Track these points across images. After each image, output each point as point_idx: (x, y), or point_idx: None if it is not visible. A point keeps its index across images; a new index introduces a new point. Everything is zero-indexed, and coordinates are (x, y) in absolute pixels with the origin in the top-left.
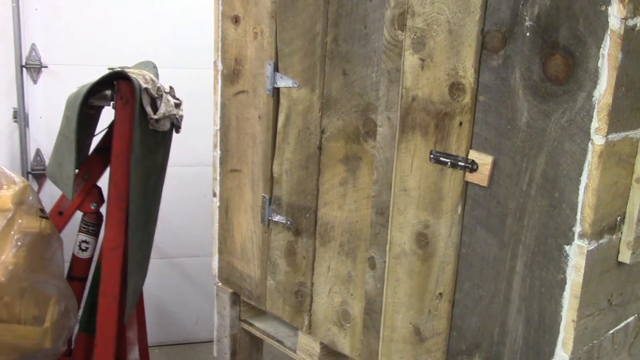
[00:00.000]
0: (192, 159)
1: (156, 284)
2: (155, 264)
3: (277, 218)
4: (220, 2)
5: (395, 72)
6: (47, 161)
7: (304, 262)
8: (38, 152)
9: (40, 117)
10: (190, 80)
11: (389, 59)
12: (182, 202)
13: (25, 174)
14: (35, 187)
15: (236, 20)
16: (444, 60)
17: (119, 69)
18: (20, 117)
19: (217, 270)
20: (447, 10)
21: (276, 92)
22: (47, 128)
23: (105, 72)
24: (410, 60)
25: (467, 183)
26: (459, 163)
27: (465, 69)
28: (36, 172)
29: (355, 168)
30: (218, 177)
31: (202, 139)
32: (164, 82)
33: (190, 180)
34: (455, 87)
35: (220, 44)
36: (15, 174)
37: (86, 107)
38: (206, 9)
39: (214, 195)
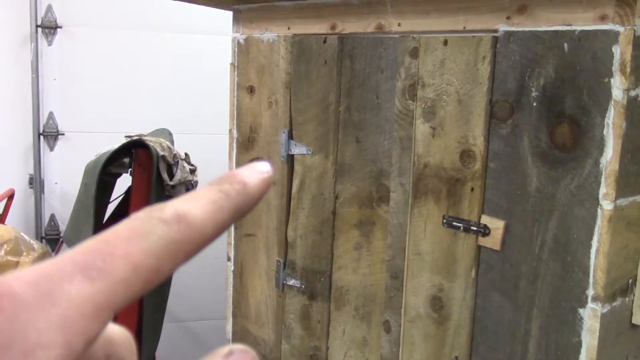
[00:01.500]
0: None
1: (167, 349)
2: (167, 327)
3: (291, 282)
4: (235, 73)
5: (407, 140)
6: (61, 226)
7: (318, 326)
8: (52, 218)
9: (56, 183)
10: (205, 147)
11: (400, 127)
12: (194, 265)
13: (40, 238)
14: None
15: (251, 90)
16: (455, 129)
17: (136, 137)
18: (37, 183)
19: (231, 334)
20: (456, 81)
21: (290, 158)
22: (62, 193)
23: (123, 140)
24: (421, 128)
25: (480, 247)
26: (472, 227)
27: (475, 137)
28: (50, 237)
29: (369, 232)
30: (232, 242)
31: None
32: (179, 149)
33: None
34: (466, 154)
35: (235, 112)
36: (34, 240)
37: (104, 174)
38: (221, 76)
39: (228, 259)
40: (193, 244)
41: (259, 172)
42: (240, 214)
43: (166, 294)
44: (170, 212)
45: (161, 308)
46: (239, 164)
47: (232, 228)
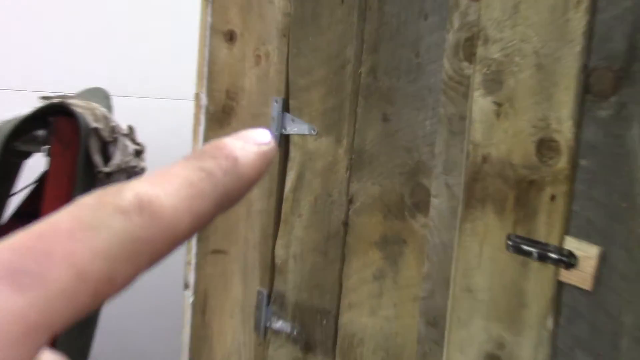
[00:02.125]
0: None
1: None
2: None
3: (278, 325)
4: (209, 10)
5: (459, 121)
6: None
7: None
8: None
9: None
10: (159, 118)
11: (450, 101)
12: (137, 295)
13: None
14: None
15: (231, 37)
16: (530, 107)
17: (57, 100)
18: None
19: None
20: (534, 36)
21: (284, 141)
22: None
23: (36, 103)
24: (480, 104)
25: (561, 284)
26: (550, 255)
27: (560, 120)
28: None
29: (396, 255)
30: (193, 261)
31: None
32: (120, 120)
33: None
34: (546, 145)
35: (205, 70)
36: None
37: (6, 153)
38: (184, 14)
39: (186, 287)
40: (161, 243)
41: (255, 142)
42: (228, 202)
43: (91, 332)
44: (130, 197)
45: (82, 354)
46: None
47: (194, 240)
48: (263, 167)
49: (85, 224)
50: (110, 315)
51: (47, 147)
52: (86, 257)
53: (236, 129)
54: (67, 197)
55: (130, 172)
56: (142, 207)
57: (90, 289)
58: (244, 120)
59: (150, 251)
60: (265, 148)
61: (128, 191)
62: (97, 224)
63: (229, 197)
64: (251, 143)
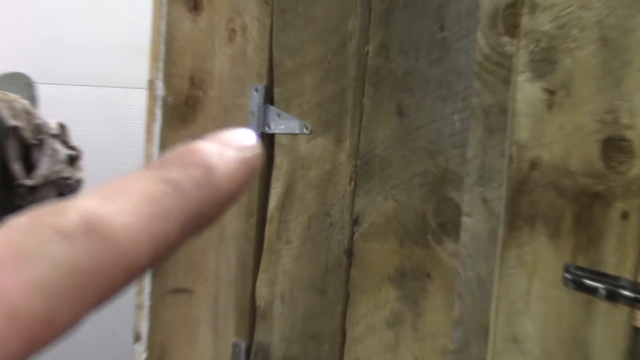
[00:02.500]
0: None
1: None
2: None
3: None
4: None
5: (498, 114)
6: None
7: None
8: None
9: None
10: (99, 112)
11: (486, 88)
12: (71, 351)
13: None
14: None
15: (196, 4)
16: (593, 95)
17: None
18: None
19: None
20: (597, 1)
21: (268, 142)
22: None
23: None
24: (527, 92)
25: (638, 331)
26: (622, 292)
27: (633, 112)
28: None
29: (417, 294)
30: (146, 303)
31: None
32: (48, 116)
33: None
34: (615, 146)
35: (162, 49)
36: None
37: None
38: None
39: (137, 339)
40: (114, 275)
41: (236, 146)
42: (200, 223)
43: None
44: (75, 217)
45: None
46: (167, 147)
47: (149, 276)
48: (245, 178)
49: (17, 252)
50: None
51: None
52: (19, 294)
53: (203, 127)
54: None
55: (62, 186)
56: (90, 229)
57: (23, 333)
58: (213, 115)
59: (100, 285)
60: (248, 154)
61: (72, 209)
62: (32, 251)
63: (201, 217)
64: (230, 147)
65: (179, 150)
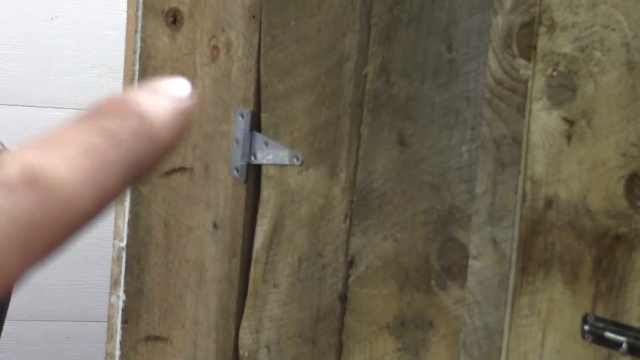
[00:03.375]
0: (61, 308)
1: None
2: None
3: None
4: None
5: (511, 146)
6: None
7: None
8: None
9: None
10: None
11: (498, 116)
12: None
13: None
14: None
15: (175, 19)
16: (617, 126)
17: None
18: None
19: None
20: (623, 20)
21: (254, 174)
22: None
23: None
24: (544, 121)
25: None
26: None
27: None
28: None
29: (418, 345)
30: (117, 352)
31: (85, 266)
32: (10, 141)
33: (54, 353)
34: None
35: (136, 68)
36: None
37: None
38: None
39: None
40: (58, 226)
41: (170, 97)
42: (138, 174)
43: None
44: (16, 169)
45: None
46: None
47: (119, 322)
48: (181, 130)
49: None
50: None
51: None
52: None
53: (182, 156)
54: None
55: None
56: (31, 180)
57: None
58: (193, 142)
59: (43, 237)
60: (183, 104)
61: (11, 161)
62: None
63: (139, 167)
64: (164, 97)
65: (113, 100)
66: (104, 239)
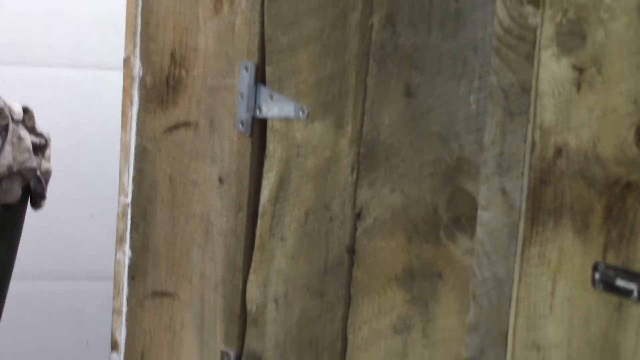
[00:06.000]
0: (67, 267)
1: None
2: None
3: None
4: None
5: (520, 95)
6: None
7: None
8: None
9: None
10: (70, 95)
11: (506, 65)
12: (41, 359)
13: None
14: None
15: None
16: (627, 73)
17: None
18: None
19: None
20: None
21: (259, 128)
22: None
23: None
24: (553, 69)
25: None
26: None
27: None
28: None
29: (427, 297)
30: (124, 309)
31: (90, 224)
32: (11, 99)
33: (61, 311)
34: None
35: (139, 22)
36: None
37: None
38: None
39: (114, 347)
40: None
41: None
42: None
43: None
44: None
45: None
46: (146, 135)
47: (126, 277)
48: None
49: None
50: None
51: None
52: None
53: (186, 110)
54: None
55: (28, 177)
56: None
57: None
58: (197, 96)
59: None
60: None
61: None
62: None
63: None
64: None
65: None
66: (110, 197)
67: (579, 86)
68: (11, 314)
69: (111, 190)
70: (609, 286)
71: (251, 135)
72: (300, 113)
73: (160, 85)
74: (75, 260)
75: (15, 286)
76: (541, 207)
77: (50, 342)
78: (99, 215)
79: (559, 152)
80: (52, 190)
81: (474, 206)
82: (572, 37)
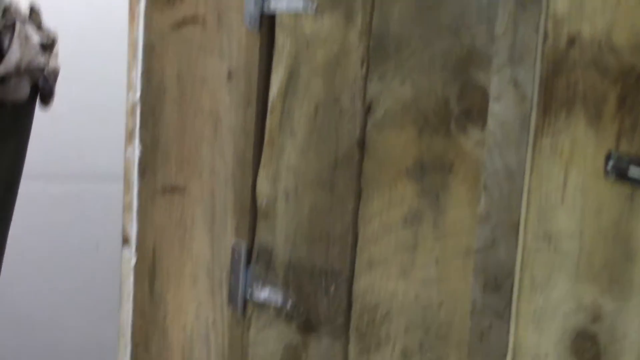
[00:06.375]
0: (76, 166)
1: None
2: None
3: (264, 294)
4: None
5: None
6: None
7: None
8: None
9: None
10: None
11: None
12: (50, 261)
13: None
14: None
15: None
16: None
17: None
18: None
19: None
20: None
21: (268, 22)
22: None
23: None
24: None
25: None
26: None
27: None
28: None
29: (438, 189)
30: (134, 204)
31: (99, 123)
32: None
33: (71, 210)
34: None
35: None
36: None
37: None
38: None
39: (125, 242)
40: None
41: None
42: None
43: None
44: None
45: None
46: (153, 30)
47: (136, 174)
48: None
49: None
50: (19, 286)
51: None
52: None
53: (194, 6)
54: None
55: (36, 76)
56: None
57: None
58: None
59: None
60: None
61: None
62: None
63: None
64: None
65: None
66: (117, 97)
67: None
68: (22, 214)
69: (119, 89)
70: (621, 175)
71: (260, 29)
72: (309, 6)
73: None
74: (85, 161)
75: (25, 187)
76: (553, 98)
77: (59, 244)
78: (107, 116)
79: (572, 41)
80: (60, 90)
81: (485, 97)
82: None
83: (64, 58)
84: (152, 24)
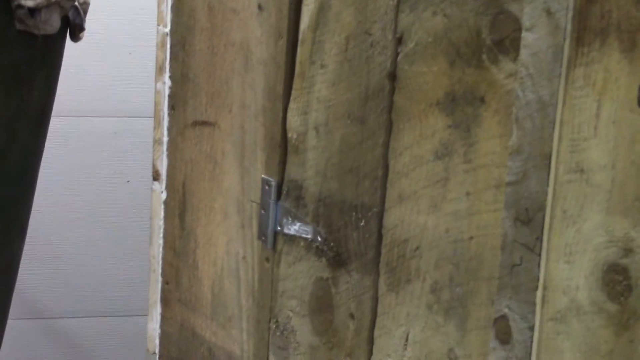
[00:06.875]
0: (106, 102)
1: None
2: (21, 327)
3: (294, 228)
4: None
5: None
6: None
7: (351, 327)
8: None
9: None
10: None
11: None
12: (79, 198)
13: None
14: None
15: None
16: None
17: None
18: None
19: (157, 341)
20: None
21: None
22: None
23: None
24: None
25: None
26: None
27: None
28: None
29: (470, 121)
30: (164, 139)
31: (128, 57)
32: None
33: (101, 146)
34: None
35: None
36: None
37: None
38: None
39: (155, 177)
40: None
41: None
42: None
43: (13, 255)
44: None
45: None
46: None
47: (166, 108)
48: None
49: None
50: (49, 224)
51: None
52: None
53: None
54: None
55: (67, 8)
56: None
57: None
58: None
59: None
60: None
61: None
62: None
63: None
64: None
65: None
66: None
67: None
68: (50, 147)
69: (149, 26)
70: None
71: None
72: None
73: None
74: (116, 97)
75: (56, 123)
76: (587, 27)
77: (90, 178)
78: (136, 52)
79: None
80: (90, 26)
81: (517, 28)
82: None
83: None
84: None
